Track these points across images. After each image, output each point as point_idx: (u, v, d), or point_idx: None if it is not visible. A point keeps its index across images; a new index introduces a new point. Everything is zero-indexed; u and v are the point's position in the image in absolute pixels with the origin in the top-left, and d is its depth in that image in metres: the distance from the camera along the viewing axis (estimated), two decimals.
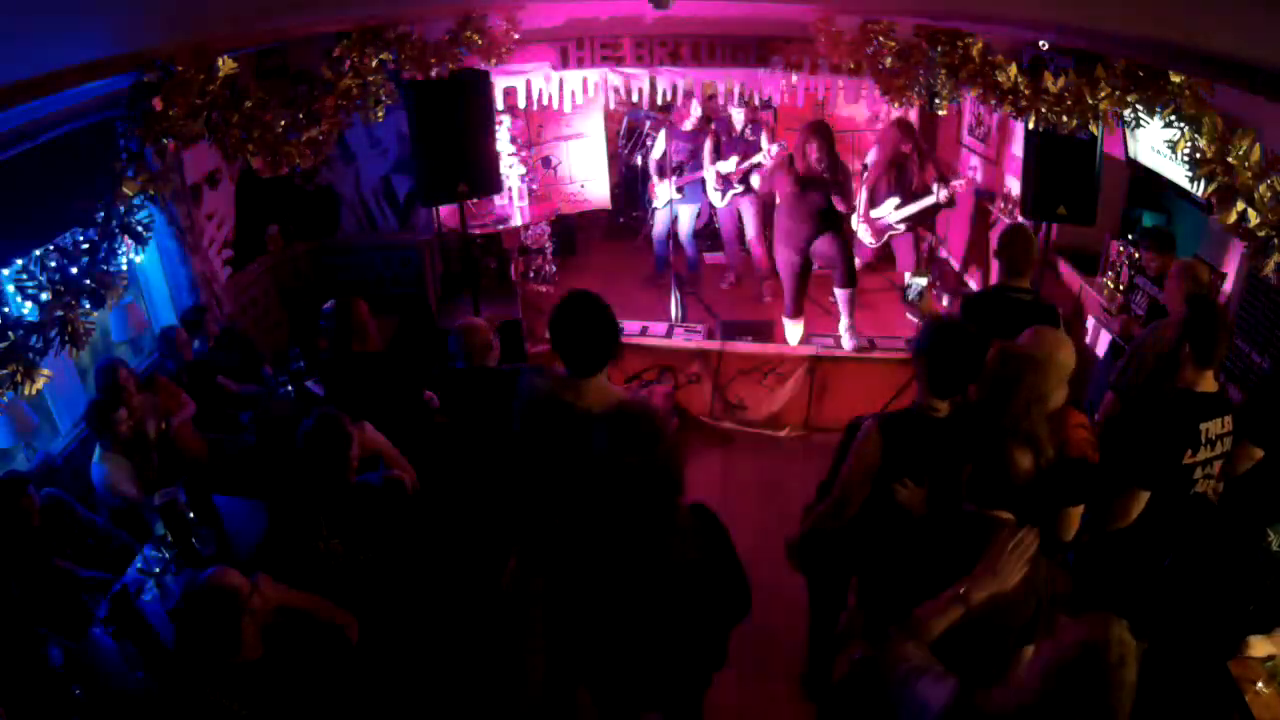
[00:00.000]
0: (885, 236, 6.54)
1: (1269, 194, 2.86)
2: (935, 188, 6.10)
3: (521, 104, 5.97)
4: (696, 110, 6.61)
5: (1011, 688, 1.78)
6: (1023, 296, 3.77)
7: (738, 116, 6.69)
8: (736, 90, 5.89)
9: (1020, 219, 5.89)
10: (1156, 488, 2.88)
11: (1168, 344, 3.17)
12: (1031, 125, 4.13)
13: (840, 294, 5.78)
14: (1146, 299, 4.50)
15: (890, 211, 6.34)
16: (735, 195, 6.83)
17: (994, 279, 4.03)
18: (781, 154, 5.79)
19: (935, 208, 6.29)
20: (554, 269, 7.19)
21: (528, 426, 2.91)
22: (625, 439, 2.21)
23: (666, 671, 2.50)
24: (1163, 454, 2.87)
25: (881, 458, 2.71)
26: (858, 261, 6.38)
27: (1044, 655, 1.73)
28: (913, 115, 6.64)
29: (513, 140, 6.51)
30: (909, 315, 2.39)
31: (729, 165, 6.65)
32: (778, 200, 5.88)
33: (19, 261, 2.88)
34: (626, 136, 8.19)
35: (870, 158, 6.60)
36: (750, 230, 7.06)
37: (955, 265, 7.37)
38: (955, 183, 6.10)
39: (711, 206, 7.92)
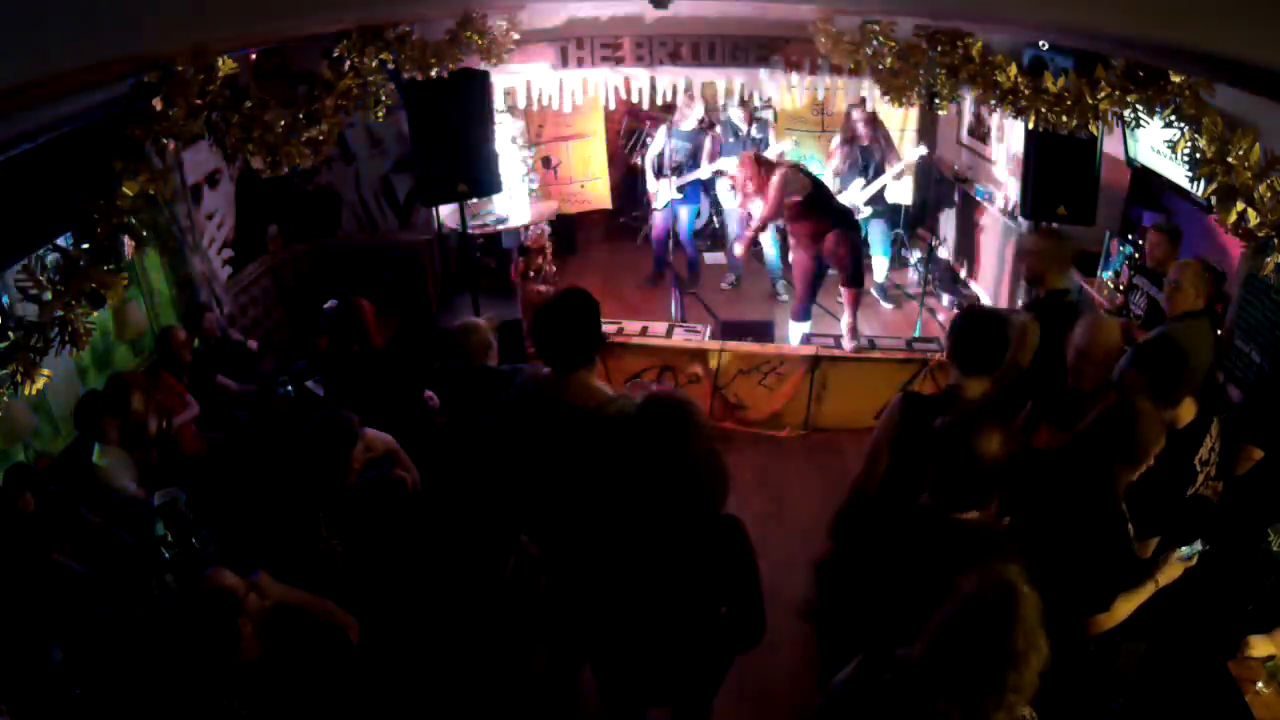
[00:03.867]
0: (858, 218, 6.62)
1: (1269, 194, 2.86)
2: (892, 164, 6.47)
3: (521, 104, 5.97)
4: (698, 110, 6.61)
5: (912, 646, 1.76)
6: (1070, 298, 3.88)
7: (738, 115, 6.70)
8: (737, 90, 5.90)
9: (1021, 219, 5.91)
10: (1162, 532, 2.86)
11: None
12: (1031, 125, 4.13)
13: (845, 293, 5.79)
14: (1146, 299, 4.50)
15: (857, 193, 6.44)
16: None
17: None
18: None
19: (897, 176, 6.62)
20: (554, 269, 7.19)
21: (513, 421, 2.90)
22: (661, 427, 2.17)
23: (671, 670, 2.49)
24: (1160, 495, 2.81)
25: (900, 428, 2.86)
26: None
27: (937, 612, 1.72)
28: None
29: (513, 140, 6.51)
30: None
31: (734, 164, 6.65)
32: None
33: (19, 261, 2.88)
34: (626, 136, 8.19)
35: (833, 144, 6.75)
36: (769, 234, 7.08)
37: (956, 266, 7.38)
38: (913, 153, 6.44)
39: (711, 206, 7.92)
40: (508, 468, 2.94)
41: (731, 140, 6.77)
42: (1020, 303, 5.87)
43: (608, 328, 5.53)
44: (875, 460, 2.95)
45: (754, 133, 6.69)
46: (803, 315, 6.03)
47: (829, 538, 3.12)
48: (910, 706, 1.67)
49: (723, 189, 7.02)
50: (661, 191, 6.89)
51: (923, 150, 6.69)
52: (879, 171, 6.59)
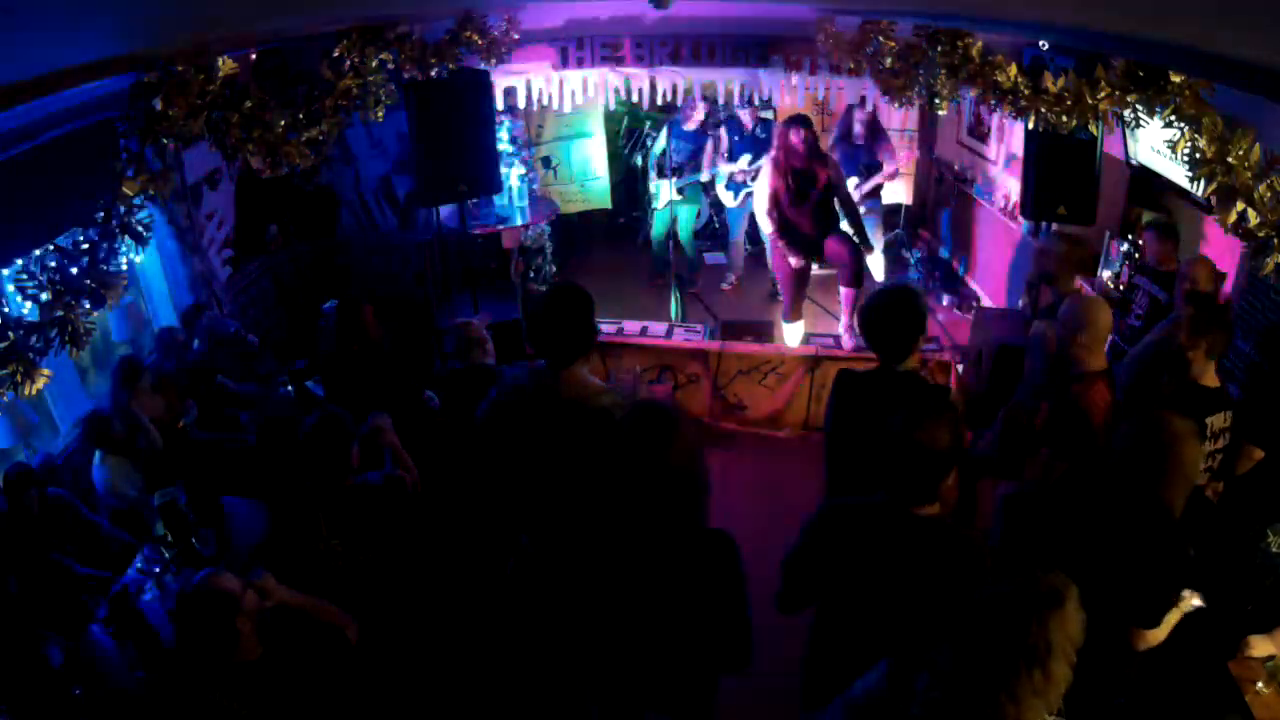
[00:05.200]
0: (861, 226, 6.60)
1: (1269, 194, 2.86)
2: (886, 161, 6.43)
3: (521, 104, 5.97)
4: (701, 112, 6.61)
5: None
6: None
7: (745, 116, 6.70)
8: (737, 90, 5.90)
9: (1021, 219, 5.92)
10: None
11: (1173, 343, 3.19)
12: (1031, 125, 4.13)
13: (845, 293, 5.78)
14: (1147, 298, 4.50)
15: (851, 191, 6.43)
16: (748, 194, 6.82)
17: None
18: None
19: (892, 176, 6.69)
20: (554, 269, 7.19)
21: (507, 417, 2.91)
22: (644, 434, 2.16)
23: (653, 680, 2.47)
24: None
25: (835, 400, 3.00)
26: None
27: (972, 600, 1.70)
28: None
29: (513, 140, 6.51)
30: None
31: (740, 165, 6.65)
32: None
33: (19, 261, 2.88)
34: (626, 136, 8.19)
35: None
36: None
37: (955, 266, 7.38)
38: (900, 157, 6.36)
39: (712, 206, 7.91)
40: (501, 464, 2.94)
41: (737, 140, 6.77)
42: (1022, 303, 5.88)
43: (608, 328, 5.52)
44: (833, 453, 3.05)
45: (759, 132, 6.69)
46: (794, 315, 5.99)
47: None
48: (941, 707, 1.65)
49: (721, 189, 7.02)
50: (662, 192, 6.89)
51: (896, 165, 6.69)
52: (872, 170, 6.59)
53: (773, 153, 5.46)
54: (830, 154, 5.72)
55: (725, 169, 6.73)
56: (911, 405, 2.24)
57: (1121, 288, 4.90)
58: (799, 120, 5.34)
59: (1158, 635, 2.51)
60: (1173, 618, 2.53)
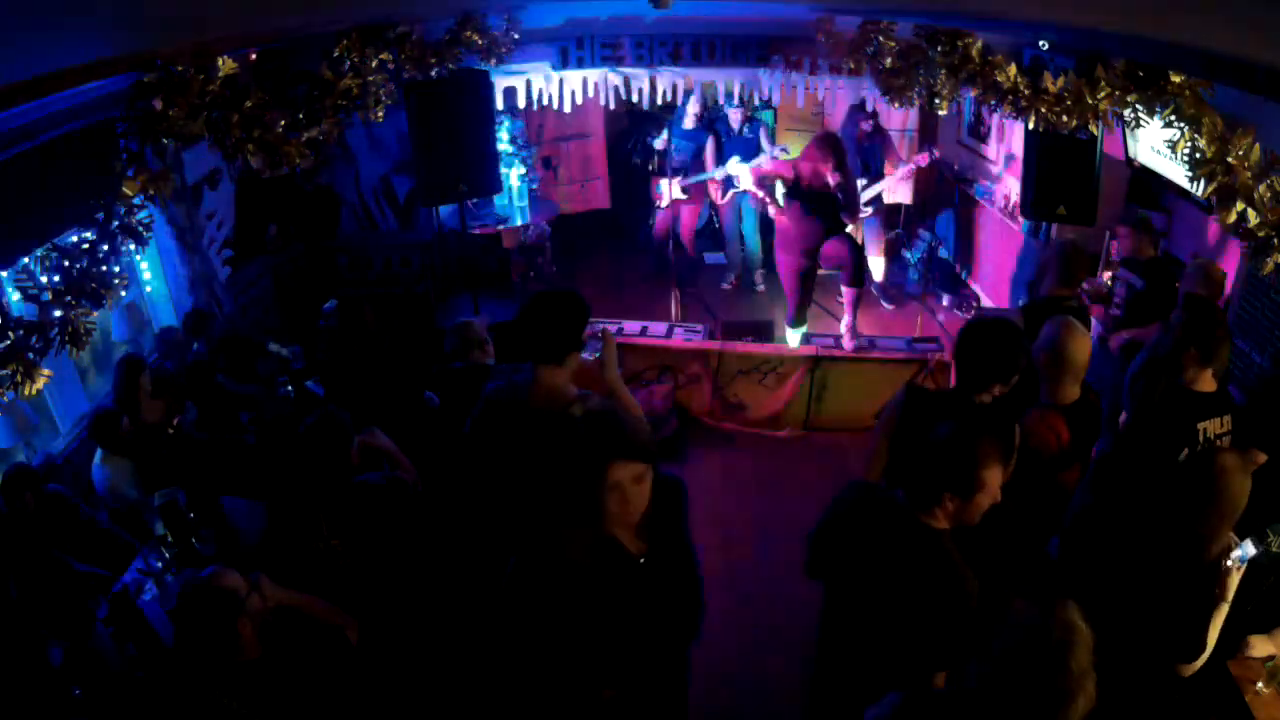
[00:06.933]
0: (858, 218, 6.60)
1: (1269, 194, 2.86)
2: (910, 159, 6.33)
3: (521, 104, 5.97)
4: (694, 107, 6.60)
5: (960, 676, 1.76)
6: (1071, 304, 3.85)
7: (734, 117, 6.70)
8: (736, 90, 5.90)
9: (1021, 219, 5.91)
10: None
11: (1164, 348, 3.18)
12: (1031, 125, 4.13)
13: (847, 293, 5.78)
14: (1125, 287, 4.46)
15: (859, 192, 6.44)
16: (735, 193, 6.83)
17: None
18: (783, 165, 5.79)
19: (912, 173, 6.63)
20: (554, 269, 7.19)
21: (485, 422, 2.91)
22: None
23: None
24: (1158, 452, 2.86)
25: (899, 422, 2.84)
26: None
27: (992, 641, 1.70)
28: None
29: (513, 140, 6.50)
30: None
31: (730, 166, 6.65)
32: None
33: (19, 261, 2.88)
34: (626, 137, 8.18)
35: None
36: (751, 227, 7.09)
37: (956, 266, 7.37)
38: (918, 157, 6.29)
39: (712, 206, 7.92)
40: (485, 468, 2.95)
41: (725, 140, 6.77)
42: (1019, 303, 5.89)
43: (608, 327, 5.52)
44: (876, 455, 2.95)
45: (745, 132, 6.69)
46: (798, 320, 6.00)
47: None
48: None
49: (710, 186, 7.02)
50: (665, 191, 6.89)
51: (920, 160, 6.59)
52: (878, 173, 6.58)
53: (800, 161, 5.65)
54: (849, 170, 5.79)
55: (733, 168, 6.74)
56: (962, 420, 2.23)
57: (1109, 282, 4.89)
58: (831, 144, 5.49)
59: (1202, 659, 2.53)
60: (1214, 630, 2.53)
